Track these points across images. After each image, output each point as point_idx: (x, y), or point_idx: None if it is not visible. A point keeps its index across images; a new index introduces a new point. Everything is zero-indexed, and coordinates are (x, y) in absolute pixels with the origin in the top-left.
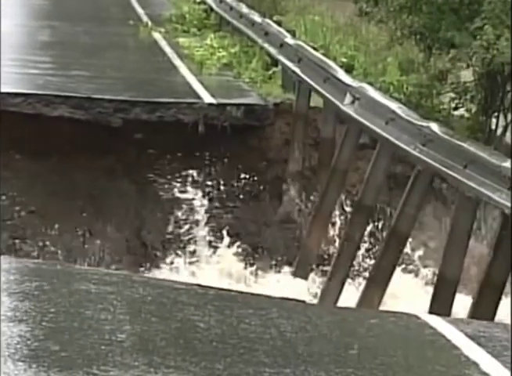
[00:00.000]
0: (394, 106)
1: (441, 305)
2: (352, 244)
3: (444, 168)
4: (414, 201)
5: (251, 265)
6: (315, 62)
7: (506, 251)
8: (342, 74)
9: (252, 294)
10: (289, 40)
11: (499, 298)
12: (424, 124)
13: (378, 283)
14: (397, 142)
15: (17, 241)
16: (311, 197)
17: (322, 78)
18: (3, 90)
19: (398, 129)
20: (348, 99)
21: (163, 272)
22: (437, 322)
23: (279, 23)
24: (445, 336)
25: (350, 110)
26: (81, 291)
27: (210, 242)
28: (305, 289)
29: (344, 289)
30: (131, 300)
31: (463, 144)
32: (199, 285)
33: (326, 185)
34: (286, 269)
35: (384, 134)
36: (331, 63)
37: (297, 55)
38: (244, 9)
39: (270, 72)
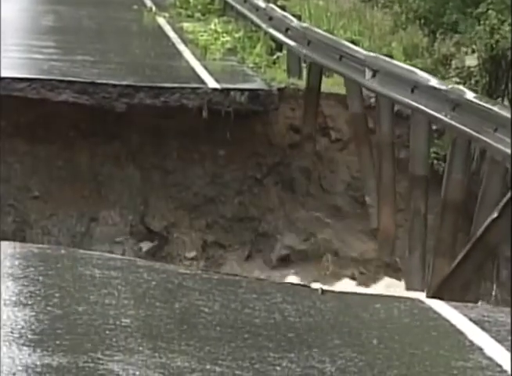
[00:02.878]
0: (415, 72)
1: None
2: (420, 217)
3: (474, 133)
4: (458, 166)
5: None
6: (326, 42)
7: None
8: (356, 50)
9: (256, 278)
10: (295, 24)
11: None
12: (449, 88)
13: (444, 255)
14: (426, 109)
15: (21, 226)
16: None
17: (336, 57)
18: (8, 75)
19: (425, 96)
20: (369, 73)
21: None
22: (441, 306)
23: (283, 8)
24: (449, 321)
25: (374, 84)
26: (86, 276)
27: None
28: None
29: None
30: (136, 285)
31: (492, 107)
32: (203, 270)
33: (378, 162)
34: None
35: (413, 103)
36: (342, 40)
37: (305, 38)
38: None
39: (274, 57)
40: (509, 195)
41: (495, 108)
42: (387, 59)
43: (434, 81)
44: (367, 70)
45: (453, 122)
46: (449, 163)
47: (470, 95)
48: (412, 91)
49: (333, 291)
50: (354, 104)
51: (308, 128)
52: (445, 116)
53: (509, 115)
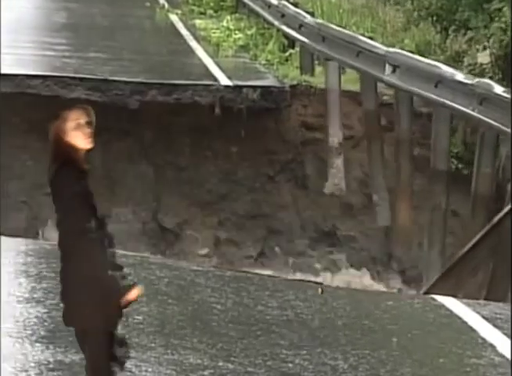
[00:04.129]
0: (439, 67)
1: None
2: (441, 213)
3: (503, 127)
4: (487, 160)
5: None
6: (342, 38)
7: None
8: (374, 45)
9: (269, 276)
10: (310, 20)
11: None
12: (476, 81)
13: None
14: (451, 103)
15: (33, 223)
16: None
17: (354, 53)
18: (22, 72)
19: (450, 91)
20: (389, 68)
21: None
22: (453, 304)
23: (295, 5)
24: (461, 318)
25: (394, 80)
26: None
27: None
28: None
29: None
30: (148, 282)
31: None
32: (216, 267)
33: (395, 158)
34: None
35: (436, 97)
36: (359, 36)
37: (320, 34)
38: None
39: (287, 54)
40: None
41: None
42: (409, 54)
43: (459, 76)
44: (387, 66)
45: (481, 116)
46: (478, 157)
47: (498, 89)
48: (436, 85)
49: (345, 288)
50: (368, 101)
51: (332, 127)
52: (473, 110)
53: None
